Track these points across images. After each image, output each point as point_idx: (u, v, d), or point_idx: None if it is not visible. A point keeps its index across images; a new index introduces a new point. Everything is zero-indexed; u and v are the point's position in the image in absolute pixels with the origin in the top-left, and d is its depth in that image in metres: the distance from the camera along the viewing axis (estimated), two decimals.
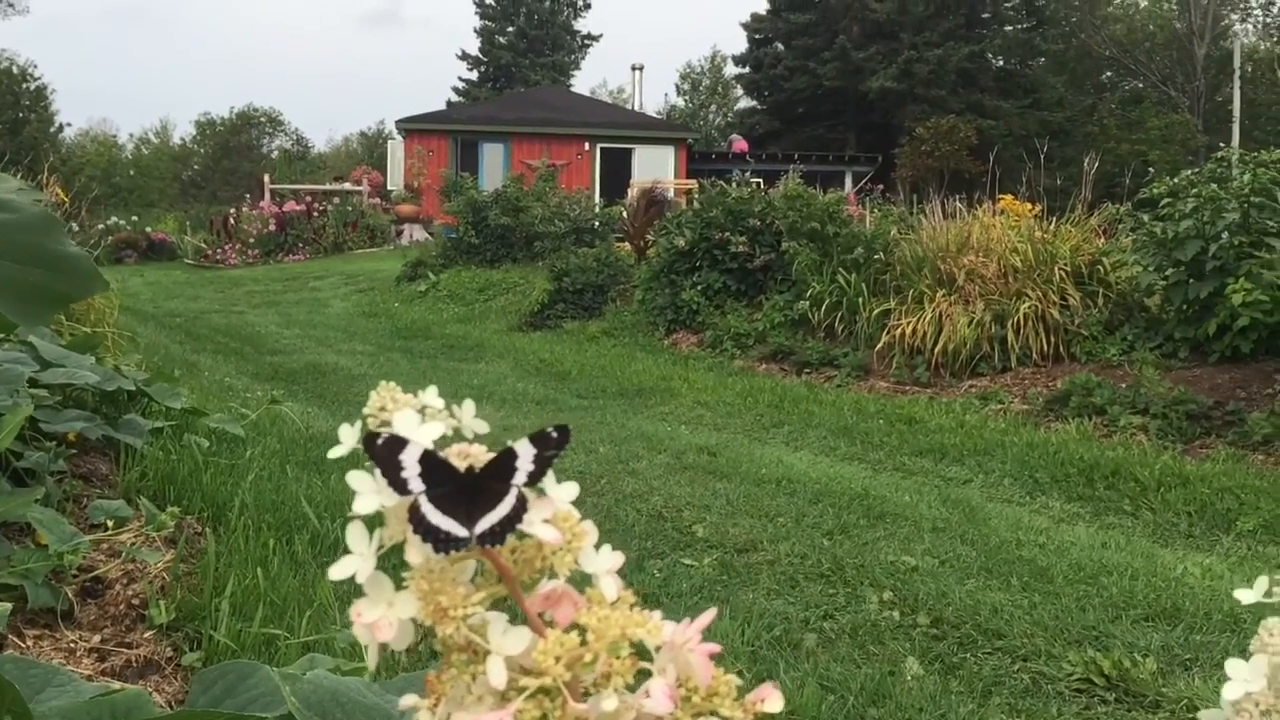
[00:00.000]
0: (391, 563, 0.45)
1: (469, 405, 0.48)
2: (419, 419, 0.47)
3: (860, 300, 8.44)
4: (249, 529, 2.88)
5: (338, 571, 0.44)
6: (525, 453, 0.47)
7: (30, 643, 2.17)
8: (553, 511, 0.46)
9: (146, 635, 2.30)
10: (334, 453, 0.46)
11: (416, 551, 0.44)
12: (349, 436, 0.46)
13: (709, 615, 0.46)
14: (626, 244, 12.99)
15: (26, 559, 2.26)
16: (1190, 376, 6.51)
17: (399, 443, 0.45)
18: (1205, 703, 2.55)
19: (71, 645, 2.22)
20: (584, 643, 0.43)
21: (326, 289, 14.88)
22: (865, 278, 8.61)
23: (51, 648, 2.18)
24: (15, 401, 2.62)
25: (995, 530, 4.21)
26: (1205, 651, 2.97)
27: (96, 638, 2.26)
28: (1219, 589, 3.50)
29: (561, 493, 0.47)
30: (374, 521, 0.46)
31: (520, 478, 0.46)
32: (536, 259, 13.66)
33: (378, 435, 0.45)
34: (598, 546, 0.48)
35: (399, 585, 0.45)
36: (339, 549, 3.11)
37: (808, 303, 8.79)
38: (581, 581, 0.48)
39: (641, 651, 0.45)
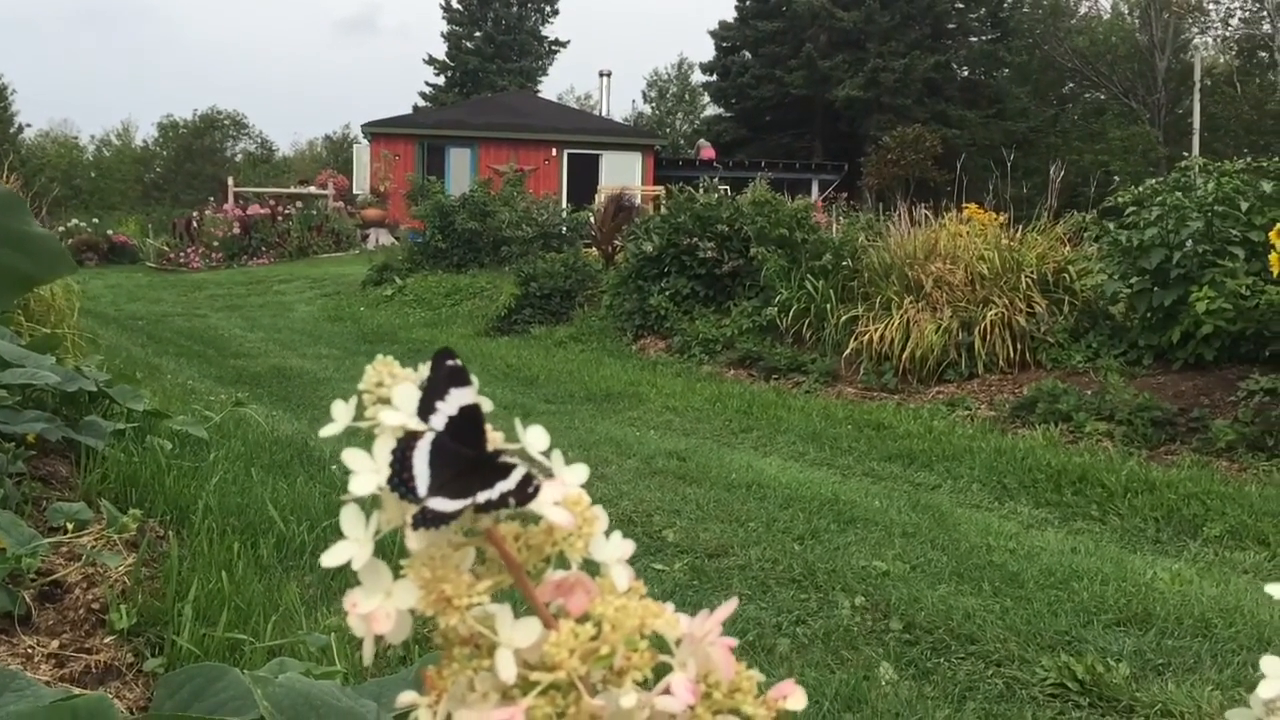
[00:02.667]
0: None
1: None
2: (418, 395, 0.43)
3: (828, 306, 8.44)
4: (213, 532, 2.82)
5: (331, 558, 0.41)
6: (510, 481, 0.43)
7: None
8: (563, 494, 0.43)
9: (107, 640, 2.24)
10: (325, 431, 0.43)
11: (417, 536, 0.41)
12: (343, 413, 0.43)
13: (729, 607, 0.43)
14: (594, 249, 12.96)
15: None
16: (1155, 384, 6.56)
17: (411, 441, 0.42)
18: (1179, 707, 2.55)
19: (29, 650, 2.16)
20: (598, 635, 0.40)
21: (291, 293, 14.74)
22: (833, 284, 8.61)
23: (8, 653, 2.12)
24: None
25: (965, 535, 4.21)
26: (1177, 656, 2.97)
27: (55, 643, 2.20)
28: (1189, 594, 3.51)
29: (571, 475, 0.44)
30: (370, 506, 0.43)
31: (484, 496, 0.42)
32: (504, 264, 13.60)
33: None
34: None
35: (397, 574, 0.42)
36: (305, 553, 3.06)
37: (776, 309, 8.78)
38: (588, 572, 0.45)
39: (656, 645, 0.42)
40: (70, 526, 2.57)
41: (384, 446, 0.42)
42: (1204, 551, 4.17)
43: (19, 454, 2.80)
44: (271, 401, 6.44)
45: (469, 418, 0.45)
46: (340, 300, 13.67)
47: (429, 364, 0.46)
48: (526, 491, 0.42)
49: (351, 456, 0.41)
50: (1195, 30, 35.64)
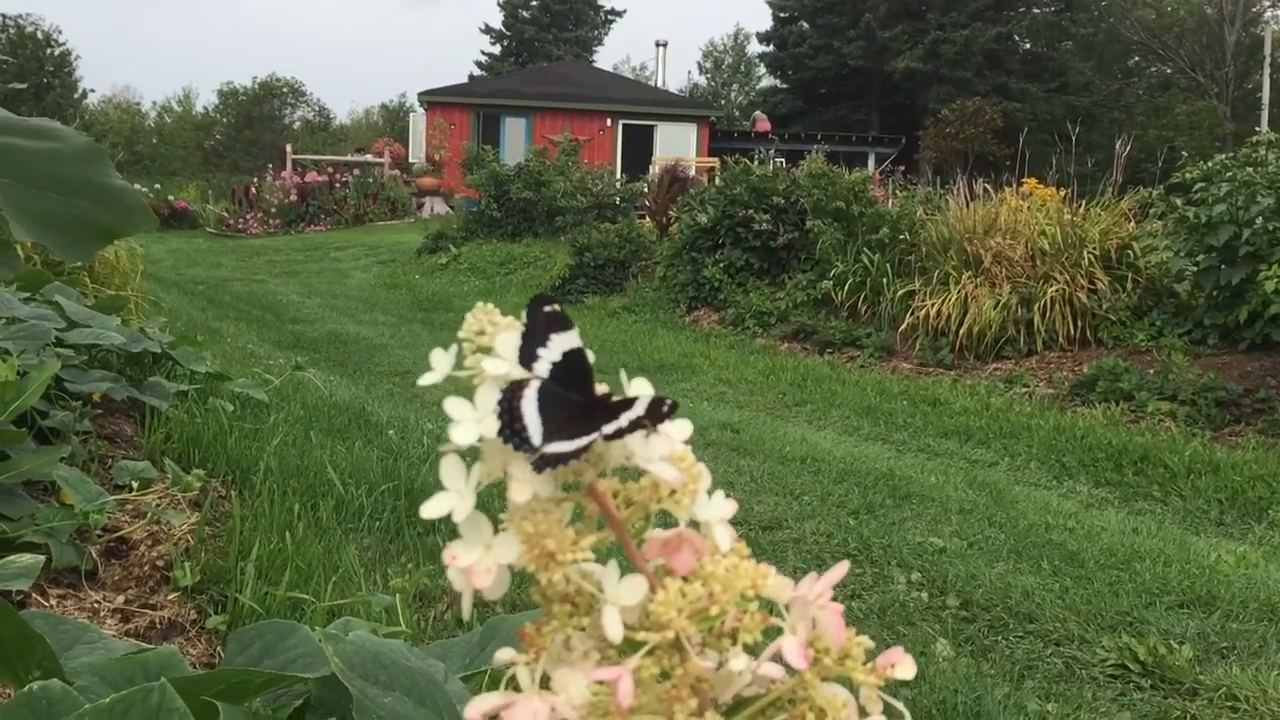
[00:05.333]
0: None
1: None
2: (519, 343, 0.42)
3: (884, 281, 8.36)
4: (274, 493, 2.84)
5: (432, 509, 0.40)
6: (637, 409, 0.42)
7: (54, 602, 2.14)
8: (670, 449, 0.41)
9: (171, 597, 2.27)
10: (425, 379, 0.42)
11: (523, 487, 0.39)
12: (443, 362, 0.42)
13: (840, 570, 0.42)
14: (648, 220, 12.92)
15: (51, 517, 2.23)
16: (1220, 363, 6.42)
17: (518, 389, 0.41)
18: (1245, 691, 2.50)
19: (95, 605, 2.19)
20: (707, 594, 0.39)
21: (347, 260, 14.85)
22: (890, 258, 8.53)
23: (75, 607, 2.15)
24: (42, 359, 2.59)
25: (1023, 513, 4.16)
26: (1243, 640, 2.91)
27: (120, 599, 2.23)
28: (1254, 577, 3.44)
29: (676, 430, 0.43)
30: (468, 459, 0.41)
31: (611, 427, 0.41)
32: (558, 234, 13.60)
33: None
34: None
35: (496, 528, 0.41)
36: (363, 516, 3.08)
37: (831, 282, 8.71)
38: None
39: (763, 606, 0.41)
40: (135, 485, 2.60)
41: (487, 395, 0.40)
42: (1270, 534, 4.09)
43: (85, 412, 2.84)
44: (329, 366, 6.49)
45: (574, 362, 0.43)
46: (395, 268, 13.75)
47: (524, 312, 0.44)
48: (661, 412, 0.40)
49: (453, 405, 0.40)
50: (1266, 2, 34.72)
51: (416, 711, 0.82)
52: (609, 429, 0.40)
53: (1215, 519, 4.32)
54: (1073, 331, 7.38)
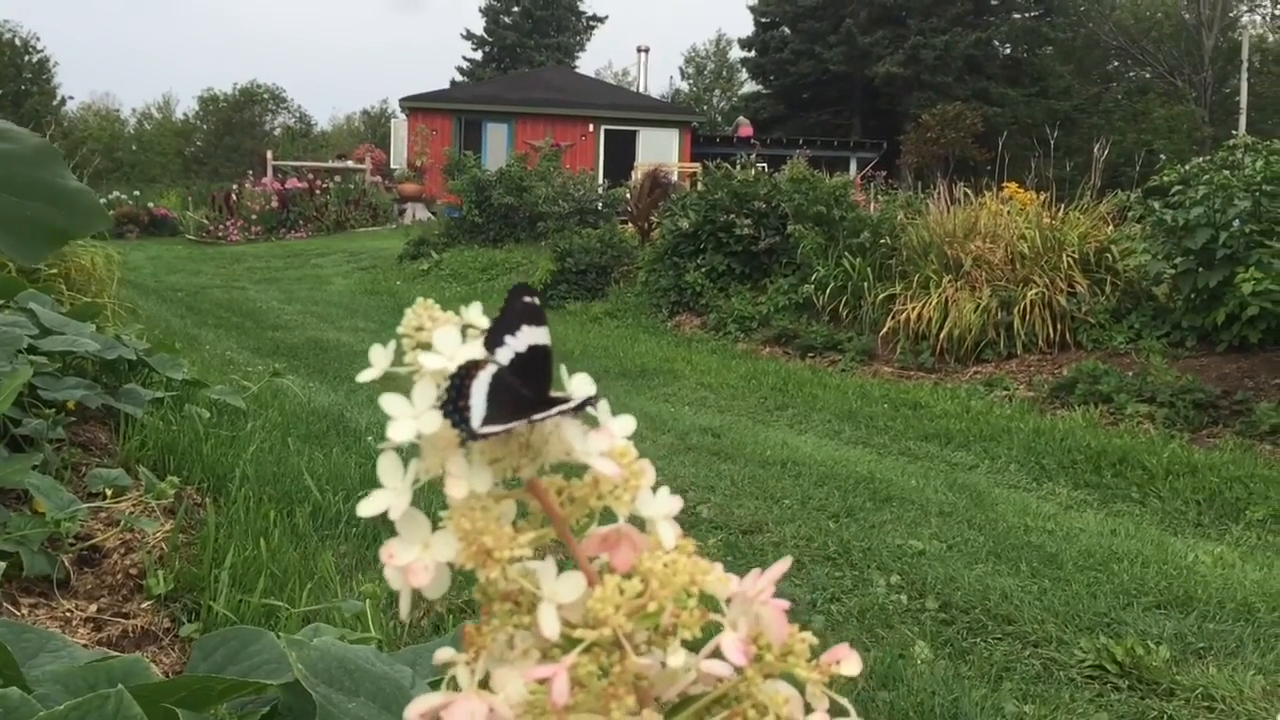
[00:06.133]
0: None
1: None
2: (460, 338, 0.41)
3: (865, 285, 8.38)
4: (250, 500, 2.83)
5: (368, 507, 0.39)
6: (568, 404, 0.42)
7: (25, 611, 2.13)
8: (610, 444, 0.41)
9: (144, 605, 2.26)
10: (363, 376, 0.41)
11: (459, 484, 0.39)
12: (381, 358, 0.41)
13: (783, 565, 0.41)
14: (630, 225, 12.92)
15: (23, 525, 2.21)
16: (1198, 365, 6.46)
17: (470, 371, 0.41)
18: (1221, 691, 2.51)
19: (67, 614, 2.17)
20: (645, 591, 0.38)
21: (329, 266, 14.81)
22: (871, 262, 8.55)
23: (47, 616, 2.13)
24: (14, 366, 2.57)
25: (1003, 516, 4.17)
26: (1219, 640, 2.92)
27: (93, 607, 2.21)
28: (1231, 577, 3.45)
29: (619, 425, 0.42)
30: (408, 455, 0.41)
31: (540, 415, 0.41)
32: (540, 239, 13.59)
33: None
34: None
35: (436, 526, 0.40)
36: (340, 522, 3.07)
37: (812, 286, 8.72)
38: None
39: (705, 605, 0.40)
40: (109, 492, 2.58)
41: (423, 392, 0.40)
42: (1247, 535, 4.11)
43: (59, 420, 2.82)
44: (308, 373, 6.47)
45: (536, 358, 0.43)
46: (377, 274, 13.72)
47: (505, 298, 0.44)
48: (586, 404, 0.40)
49: (390, 401, 0.40)
50: (1244, 7, 35.01)
51: (381, 717, 0.82)
52: (538, 416, 0.39)
53: (1193, 520, 4.34)
54: (1052, 334, 7.41)
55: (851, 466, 4.85)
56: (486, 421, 0.39)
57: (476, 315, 0.42)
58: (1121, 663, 2.73)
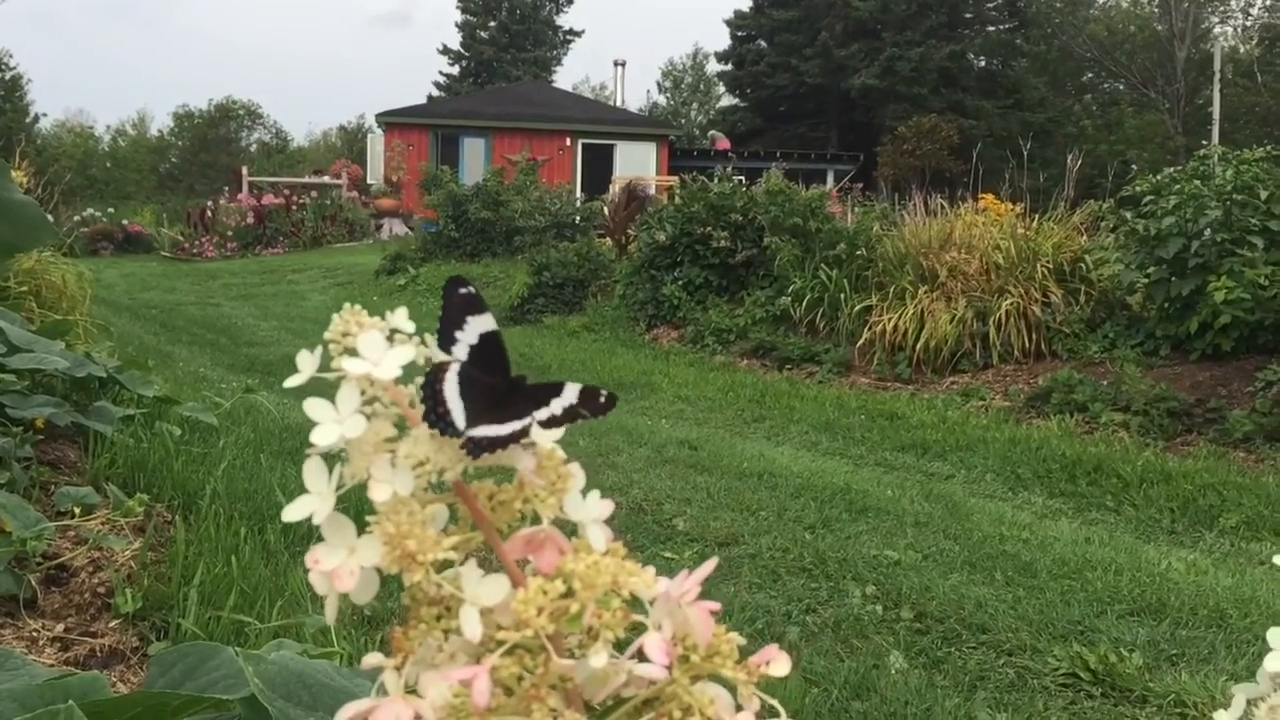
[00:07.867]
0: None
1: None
2: (386, 344, 0.41)
3: (842, 296, 8.40)
4: (220, 517, 2.81)
5: (292, 512, 0.39)
6: (568, 395, 0.42)
7: None
8: (535, 450, 0.41)
9: (112, 624, 2.24)
10: (291, 381, 0.41)
11: (382, 488, 0.39)
12: (308, 363, 0.41)
13: (710, 565, 0.41)
14: (608, 239, 12.93)
15: None
16: (1171, 374, 6.50)
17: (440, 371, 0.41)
18: (1193, 698, 2.52)
19: (34, 634, 2.15)
20: (570, 593, 0.38)
21: (305, 282, 14.76)
22: (847, 274, 8.58)
23: (13, 636, 2.11)
24: None
25: (978, 525, 4.18)
26: (1192, 646, 2.94)
27: (60, 626, 2.19)
28: (1204, 584, 3.47)
29: (545, 434, 0.42)
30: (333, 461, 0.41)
31: (545, 413, 0.41)
32: (517, 253, 13.59)
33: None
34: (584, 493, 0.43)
35: (363, 530, 0.40)
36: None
37: (789, 298, 8.75)
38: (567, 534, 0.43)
39: (633, 606, 0.40)
40: (77, 511, 2.56)
41: (347, 396, 0.40)
42: (1220, 542, 4.13)
43: (27, 438, 2.80)
44: (283, 389, 6.44)
45: (490, 345, 0.44)
46: (353, 290, 13.68)
47: (442, 293, 0.45)
48: (598, 403, 0.41)
49: (313, 406, 0.40)
50: (1215, 19, 35.38)
51: None
52: (542, 415, 0.40)
53: (1167, 527, 4.36)
54: (1027, 344, 7.45)
55: (828, 478, 4.86)
56: (471, 420, 0.40)
57: (402, 320, 0.42)
58: (1095, 670, 2.73)
